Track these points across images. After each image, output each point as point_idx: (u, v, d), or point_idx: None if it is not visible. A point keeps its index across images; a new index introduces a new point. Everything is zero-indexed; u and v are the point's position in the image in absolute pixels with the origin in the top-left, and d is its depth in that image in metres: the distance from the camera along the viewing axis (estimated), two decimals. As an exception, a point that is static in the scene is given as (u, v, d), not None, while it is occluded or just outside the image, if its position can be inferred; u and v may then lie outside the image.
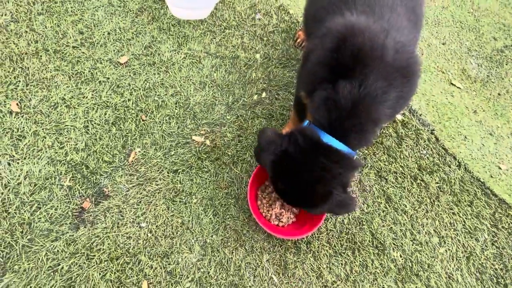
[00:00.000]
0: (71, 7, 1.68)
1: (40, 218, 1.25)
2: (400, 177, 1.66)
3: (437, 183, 1.69)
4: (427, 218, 1.58)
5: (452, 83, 2.10)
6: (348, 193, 1.08)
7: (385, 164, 1.67)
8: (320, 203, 1.05)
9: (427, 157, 1.75)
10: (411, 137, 1.78)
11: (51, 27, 1.61)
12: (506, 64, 2.27)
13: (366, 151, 1.68)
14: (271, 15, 1.94)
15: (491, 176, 1.81)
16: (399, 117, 1.83)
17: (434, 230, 1.57)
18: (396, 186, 1.63)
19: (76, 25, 1.64)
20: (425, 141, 1.79)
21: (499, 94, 2.14)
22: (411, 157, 1.73)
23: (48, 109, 1.44)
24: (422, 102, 1.94)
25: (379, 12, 1.08)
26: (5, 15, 1.58)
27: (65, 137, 1.41)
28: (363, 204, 1.55)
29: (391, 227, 1.52)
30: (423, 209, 1.60)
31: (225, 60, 1.74)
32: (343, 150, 1.04)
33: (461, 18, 2.37)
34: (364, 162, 1.63)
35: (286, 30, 1.92)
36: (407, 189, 1.63)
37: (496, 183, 1.79)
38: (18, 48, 1.52)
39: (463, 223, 1.61)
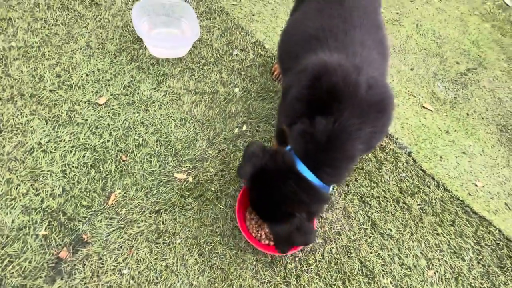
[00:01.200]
0: (48, 51, 1.69)
1: (12, 273, 1.17)
2: (383, 201, 1.68)
3: (419, 204, 1.72)
4: (413, 241, 1.60)
5: (423, 106, 2.20)
6: (311, 224, 1.14)
7: (367, 189, 1.69)
8: (281, 220, 1.09)
9: (407, 179, 1.80)
10: (390, 161, 1.83)
11: (27, 71, 1.60)
12: (471, 86, 2.43)
13: (349, 178, 1.71)
14: (247, 51, 2.01)
15: (469, 194, 1.86)
16: (376, 141, 1.88)
17: (421, 252, 1.58)
18: (380, 210, 1.65)
19: (54, 68, 1.64)
20: (403, 163, 1.84)
21: (467, 114, 2.26)
22: (392, 180, 1.77)
23: (23, 155, 1.40)
24: (397, 126, 2.02)
25: (351, 47, 1.14)
26: (-21, 62, 1.56)
27: (41, 183, 1.36)
28: (349, 232, 1.55)
29: (379, 253, 1.52)
30: (408, 232, 1.62)
31: (204, 96, 1.77)
32: (313, 181, 1.07)
33: (425, 46, 2.54)
34: (333, 198, 1.64)
35: (263, 64, 1.99)
36: (391, 213, 1.65)
37: (475, 200, 1.84)
38: (-8, 95, 1.49)
39: (448, 243, 1.64)
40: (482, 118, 2.27)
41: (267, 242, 1.41)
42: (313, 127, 1.04)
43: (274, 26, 2.20)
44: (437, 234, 1.65)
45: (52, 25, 1.77)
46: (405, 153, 1.89)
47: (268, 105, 1.84)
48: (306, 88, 1.08)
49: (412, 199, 1.73)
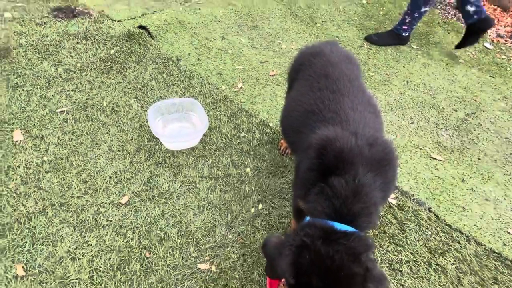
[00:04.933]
0: (75, 160, 1.86)
1: None
2: (413, 265, 1.61)
3: (453, 264, 1.64)
4: (457, 308, 1.48)
5: (432, 157, 2.23)
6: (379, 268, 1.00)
7: (394, 255, 1.64)
8: (361, 282, 0.93)
9: (433, 237, 1.74)
10: (412, 220, 1.80)
11: (57, 182, 1.75)
12: (474, 130, 2.47)
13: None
14: (254, 131, 2.17)
15: (504, 244, 1.77)
16: (393, 201, 1.88)
17: (469, 321, 1.45)
18: (413, 276, 1.57)
19: (80, 175, 1.80)
20: (426, 221, 1.80)
21: (478, 158, 2.26)
22: (418, 240, 1.71)
23: (53, 265, 1.46)
24: (411, 182, 2.02)
25: (344, 115, 1.26)
26: (15, 180, 1.73)
27: (70, 293, 1.38)
28: (386, 306, 1.46)
29: (423, 328, 1.41)
30: (449, 298, 1.51)
31: (218, 180, 1.87)
32: (356, 231, 1.03)
33: (420, 99, 2.68)
34: (372, 254, 1.60)
35: (269, 142, 2.12)
36: (425, 277, 1.57)
37: (512, 250, 1.74)
38: (26, 209, 1.62)
39: (496, 305, 1.51)
40: (495, 160, 2.26)
41: None
42: (333, 187, 1.08)
43: (275, 105, 2.40)
44: (481, 296, 1.53)
45: (79, 136, 1.99)
46: (425, 209, 1.86)
47: (280, 180, 1.91)
48: (316, 158, 1.16)
49: (444, 259, 1.65)
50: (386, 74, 2.89)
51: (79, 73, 2.36)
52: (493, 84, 2.97)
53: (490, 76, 3.07)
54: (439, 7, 3.91)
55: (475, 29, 2.93)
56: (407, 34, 3.12)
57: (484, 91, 2.87)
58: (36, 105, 2.11)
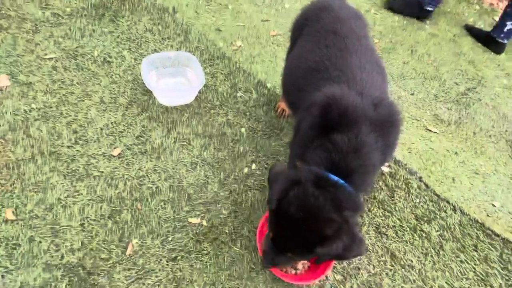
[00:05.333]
0: (65, 109, 1.80)
1: (35, 334, 1.18)
2: (399, 230, 1.66)
3: (437, 231, 1.69)
4: (436, 271, 1.55)
5: (428, 129, 2.23)
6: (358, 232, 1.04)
7: (382, 219, 1.68)
8: (328, 238, 0.98)
9: (421, 205, 1.78)
10: (402, 188, 1.82)
11: (46, 130, 1.70)
12: (473, 105, 2.45)
13: (361, 208, 1.70)
14: (251, 91, 2.11)
15: (488, 215, 1.82)
16: (386, 169, 1.89)
17: (446, 283, 1.52)
18: (398, 240, 1.62)
19: (71, 125, 1.74)
20: (416, 189, 1.83)
21: (474, 133, 2.26)
22: (406, 208, 1.75)
23: (44, 211, 1.45)
24: (404, 152, 2.03)
25: (350, 73, 1.21)
26: (3, 125, 1.68)
27: (61, 239, 1.40)
28: (369, 265, 1.52)
29: (402, 286, 1.47)
30: (430, 261, 1.57)
31: (213, 139, 1.84)
32: (349, 189, 1.05)
33: (423, 70, 2.61)
34: (361, 218, 1.64)
35: (266, 103, 2.07)
36: (409, 242, 1.62)
37: (495, 221, 1.80)
38: (14, 156, 1.59)
39: (473, 270, 1.58)
40: (490, 136, 2.27)
41: (293, 272, 1.40)
42: (335, 142, 1.07)
43: (274, 66, 2.32)
44: (461, 261, 1.60)
45: (69, 85, 1.90)
46: (416, 178, 1.89)
47: (274, 142, 1.90)
48: (318, 116, 1.14)
49: (430, 226, 1.70)
50: (391, 42, 2.79)
51: (68, 19, 2.21)
52: (498, 61, 2.91)
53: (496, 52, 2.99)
54: (453, -26, 3.70)
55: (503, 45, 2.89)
56: (432, 8, 2.96)
57: (488, 67, 2.81)
58: (23, 50, 1.99)
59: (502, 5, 3.46)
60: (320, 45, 1.31)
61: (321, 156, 1.09)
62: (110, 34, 2.21)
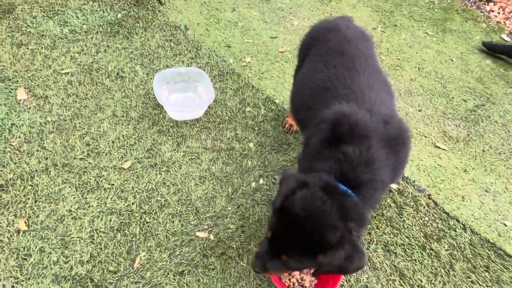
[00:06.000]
0: (79, 122, 1.85)
1: None
2: (408, 249, 1.63)
3: (447, 250, 1.66)
4: (446, 291, 1.51)
5: (436, 146, 2.22)
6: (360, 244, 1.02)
7: (390, 237, 1.66)
8: (331, 247, 0.95)
9: (430, 223, 1.76)
10: (410, 205, 1.81)
11: (60, 143, 1.75)
12: (482, 122, 2.44)
13: (369, 225, 1.69)
14: (259, 107, 2.14)
15: (499, 235, 1.79)
16: (394, 186, 1.88)
17: (457, 304, 1.48)
18: (406, 259, 1.59)
19: (83, 138, 1.79)
20: (424, 207, 1.81)
21: (483, 150, 2.25)
22: (415, 225, 1.73)
23: (55, 223, 1.48)
24: (413, 168, 2.02)
25: (359, 91, 1.23)
26: (19, 137, 1.73)
27: (71, 250, 1.42)
28: (377, 284, 1.49)
29: (412, 307, 1.44)
30: (439, 281, 1.54)
31: (221, 153, 1.86)
32: (357, 200, 1.04)
33: (430, 87, 2.63)
34: (369, 235, 1.62)
35: (274, 118, 2.10)
36: (419, 261, 1.60)
37: (507, 241, 1.76)
38: (29, 167, 1.63)
39: (485, 292, 1.54)
40: (499, 153, 2.25)
41: None
42: (346, 153, 1.07)
43: (282, 82, 2.36)
44: (472, 282, 1.56)
45: (83, 99, 1.96)
46: (424, 195, 1.87)
47: (282, 157, 1.91)
48: (328, 131, 1.14)
49: (439, 245, 1.67)
50: (398, 59, 2.82)
51: (85, 35, 2.30)
52: (506, 78, 2.90)
53: (504, 69, 2.99)
54: (459, -7, 3.76)
55: None
56: None
57: (496, 84, 2.81)
58: (41, 64, 2.07)
59: (509, 23, 3.49)
60: (328, 65, 1.34)
61: (331, 166, 1.08)
62: (124, 50, 2.28)
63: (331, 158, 1.10)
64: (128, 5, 2.56)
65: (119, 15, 2.48)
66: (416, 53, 2.92)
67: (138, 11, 2.55)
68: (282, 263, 1.06)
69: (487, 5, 3.65)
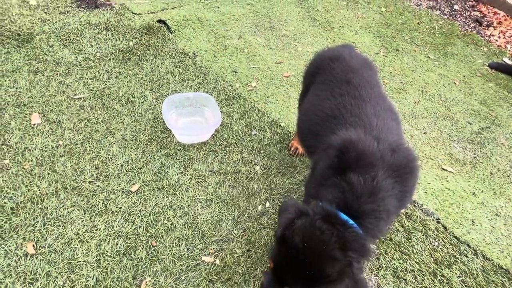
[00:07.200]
0: (90, 146, 1.90)
1: None
2: (418, 275, 1.59)
3: (459, 276, 1.62)
4: (460, 321, 1.46)
5: (443, 168, 2.21)
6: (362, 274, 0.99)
7: (399, 263, 1.62)
8: (331, 281, 0.94)
9: (440, 248, 1.72)
10: (419, 229, 1.78)
11: (71, 166, 1.79)
12: (488, 144, 2.44)
13: (378, 251, 1.66)
14: (265, 130, 2.18)
15: (513, 261, 1.73)
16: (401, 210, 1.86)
17: (472, 335, 1.42)
18: (417, 286, 1.55)
19: (93, 161, 1.83)
20: (433, 231, 1.78)
21: (491, 173, 2.23)
22: (424, 250, 1.69)
23: (62, 246, 1.49)
24: (420, 191, 2.01)
25: (366, 119, 1.25)
26: (31, 161, 1.78)
27: (77, 275, 1.41)
28: (388, 313, 1.45)
29: (424, 338, 1.39)
30: (453, 310, 1.49)
31: (228, 176, 1.88)
32: (359, 231, 1.02)
33: (434, 110, 2.65)
34: (377, 261, 1.59)
35: (280, 141, 2.13)
36: (430, 288, 1.55)
37: (521, 268, 1.71)
38: (39, 190, 1.66)
39: (501, 322, 1.48)
40: (508, 176, 2.23)
41: None
42: (350, 182, 1.07)
43: (287, 106, 2.41)
44: (487, 311, 1.51)
45: (94, 123, 2.03)
46: (433, 219, 1.84)
47: (288, 180, 1.92)
48: (335, 157, 1.15)
49: (450, 271, 1.63)
50: (401, 82, 2.87)
51: (98, 62, 2.41)
52: (510, 100, 2.92)
53: (508, 91, 3.02)
54: (459, 19, 3.87)
55: None
56: None
57: (501, 106, 2.82)
58: (55, 90, 2.16)
59: (510, 47, 3.56)
60: (334, 94, 1.36)
61: (334, 195, 1.09)
62: (134, 76, 2.38)
63: (335, 186, 1.10)
64: (139, 33, 2.68)
65: (131, 43, 2.60)
66: (419, 76, 2.97)
67: (149, 39, 2.67)
68: None
69: (487, 29, 3.74)
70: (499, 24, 3.81)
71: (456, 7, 4.04)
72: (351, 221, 1.03)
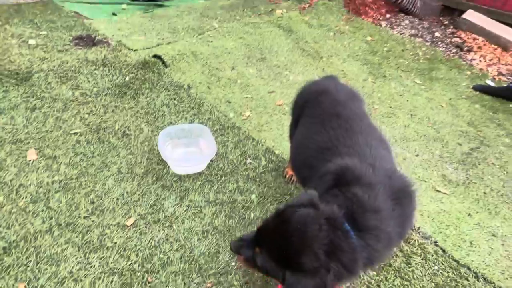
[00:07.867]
0: (85, 181, 1.90)
1: None
2: (421, 302, 1.56)
3: (462, 302, 1.59)
4: None
5: (437, 190, 2.23)
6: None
7: (401, 290, 1.60)
8: (304, 271, 0.94)
9: (440, 272, 1.70)
10: (418, 253, 1.77)
11: (66, 201, 1.78)
12: (479, 164, 2.48)
13: (378, 277, 1.64)
14: (260, 158, 2.21)
15: (515, 283, 1.72)
16: (399, 234, 1.86)
17: None
18: (420, 314, 1.52)
19: (89, 196, 1.83)
20: (432, 255, 1.77)
21: (484, 193, 2.25)
22: (425, 275, 1.67)
23: (55, 286, 1.45)
24: (416, 214, 2.01)
25: (360, 150, 1.28)
26: (25, 198, 1.77)
27: (69, 316, 1.36)
28: None
29: None
30: (458, 338, 1.45)
31: (224, 206, 1.88)
32: (356, 242, 1.00)
33: (424, 132, 2.72)
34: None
35: (275, 169, 2.15)
36: (433, 315, 1.52)
37: (523, 290, 1.68)
38: (33, 228, 1.64)
39: None
40: (502, 195, 2.25)
41: None
42: (356, 194, 1.07)
43: (281, 133, 2.46)
44: (493, 338, 1.47)
45: (90, 157, 2.04)
46: (431, 242, 1.84)
47: (284, 208, 1.92)
48: (332, 180, 1.16)
49: (453, 296, 1.60)
50: (391, 107, 2.96)
51: (95, 97, 2.47)
52: (497, 120, 3.02)
53: (493, 112, 3.13)
54: (441, 45, 4.07)
55: None
56: None
57: (488, 127, 2.91)
58: (52, 126, 2.19)
59: (492, 70, 3.72)
60: (326, 127, 1.39)
61: (341, 202, 1.07)
62: (130, 109, 2.43)
63: (341, 196, 1.09)
64: (136, 68, 2.78)
65: (127, 78, 2.68)
66: (407, 100, 3.08)
67: (145, 73, 2.76)
68: (252, 254, 1.07)
69: (468, 54, 3.93)
70: (479, 49, 4.01)
71: (437, 34, 4.26)
72: (352, 233, 1.01)
